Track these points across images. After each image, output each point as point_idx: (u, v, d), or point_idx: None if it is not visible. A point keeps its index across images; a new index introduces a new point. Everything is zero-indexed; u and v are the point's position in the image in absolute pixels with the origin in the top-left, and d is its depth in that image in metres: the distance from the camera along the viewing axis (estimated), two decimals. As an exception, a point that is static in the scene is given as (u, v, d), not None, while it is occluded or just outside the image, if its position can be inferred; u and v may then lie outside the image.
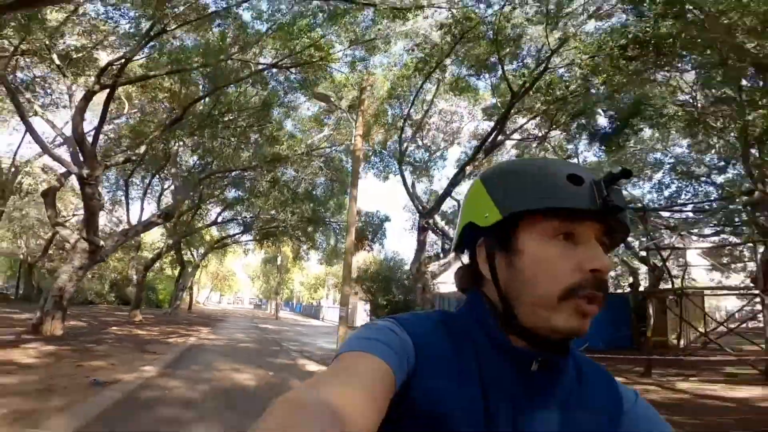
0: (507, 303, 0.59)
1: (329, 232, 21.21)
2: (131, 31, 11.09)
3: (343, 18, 11.22)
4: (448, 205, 16.25)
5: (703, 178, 14.83)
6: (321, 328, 25.22)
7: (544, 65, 10.40)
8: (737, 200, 10.74)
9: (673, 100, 11.11)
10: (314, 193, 18.77)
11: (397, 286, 20.20)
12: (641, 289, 13.82)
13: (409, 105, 13.43)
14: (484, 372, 0.57)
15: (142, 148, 11.71)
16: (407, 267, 15.95)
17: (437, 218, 14.11)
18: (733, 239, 15.59)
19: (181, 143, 14.58)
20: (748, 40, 5.96)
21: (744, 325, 11.40)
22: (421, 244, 11.64)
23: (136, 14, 10.78)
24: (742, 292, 10.80)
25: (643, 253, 13.00)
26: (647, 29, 7.26)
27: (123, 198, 16.74)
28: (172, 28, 10.52)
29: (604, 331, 11.51)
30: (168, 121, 12.21)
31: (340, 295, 11.19)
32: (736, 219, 12.80)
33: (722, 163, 13.27)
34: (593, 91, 10.78)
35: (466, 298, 0.67)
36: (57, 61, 10.16)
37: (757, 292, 8.36)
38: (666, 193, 15.53)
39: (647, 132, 14.26)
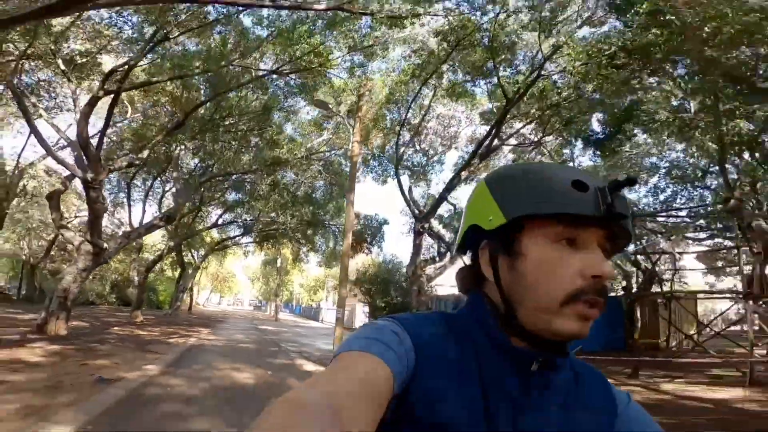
0: (509, 305, 0.59)
1: (328, 235, 21.42)
2: (134, 36, 11.36)
3: (342, 25, 11.47)
4: (444, 209, 16.48)
5: (696, 183, 15.03)
6: (320, 329, 25.40)
7: (537, 72, 10.63)
8: (717, 207, 10.97)
9: (665, 105, 11.31)
10: (314, 196, 19.01)
11: (396, 288, 20.37)
12: (634, 291, 14.02)
13: (406, 110, 13.63)
14: (484, 372, 0.58)
15: (145, 153, 11.91)
16: (405, 269, 16.16)
17: (433, 222, 14.33)
18: (729, 243, 15.80)
19: (183, 147, 14.83)
20: (722, 53, 6.18)
21: (738, 327, 11.60)
22: (417, 248, 11.87)
23: (139, 20, 11.05)
24: (727, 295, 11.01)
25: (640, 257, 13.22)
26: (634, 39, 7.48)
27: (125, 200, 17.01)
28: (175, 35, 10.77)
29: (600, 333, 11.66)
30: (170, 125, 12.47)
31: (338, 298, 11.41)
32: (719, 224, 13.01)
33: (700, 173, 13.50)
34: (585, 97, 11.00)
35: (467, 299, 0.68)
36: (62, 66, 10.39)
37: (745, 296, 8.60)
38: (662, 197, 15.77)
39: (642, 136, 14.47)
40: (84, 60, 11.65)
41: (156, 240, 25.68)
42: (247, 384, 6.88)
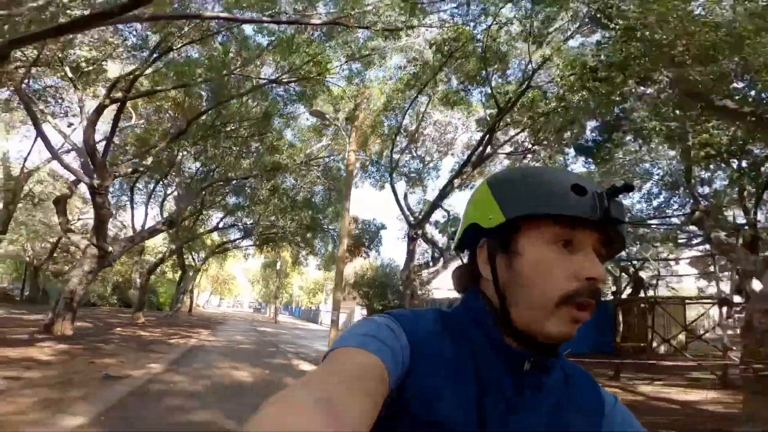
0: (504, 304, 0.60)
1: (327, 239, 21.67)
2: (139, 43, 11.73)
3: (339, 36, 11.85)
4: (439, 214, 16.80)
5: (687, 190, 15.34)
6: (318, 331, 25.72)
7: (527, 82, 10.99)
8: (683, 219, 11.28)
9: (653, 113, 11.63)
10: (313, 200, 19.34)
11: (393, 291, 20.66)
12: (624, 296, 14.35)
13: (403, 117, 13.89)
14: (480, 371, 0.58)
15: (149, 159, 12.25)
16: (400, 274, 16.49)
17: (428, 227, 14.65)
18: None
19: (185, 152, 15.18)
20: (684, 70, 6.51)
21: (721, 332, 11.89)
22: (411, 253, 12.19)
23: (144, 29, 11.41)
24: (707, 301, 11.35)
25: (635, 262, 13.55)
26: (612, 54, 7.81)
27: (128, 203, 17.40)
28: (178, 46, 11.15)
29: (589, 336, 11.91)
30: (173, 131, 12.83)
31: (333, 301, 11.75)
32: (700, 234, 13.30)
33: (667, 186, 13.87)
34: (573, 106, 11.35)
35: (463, 297, 0.68)
36: (69, 74, 10.74)
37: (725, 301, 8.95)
38: (654, 203, 16.05)
39: (634, 144, 14.78)
40: (90, 67, 12.02)
41: (158, 243, 25.98)
42: (245, 382, 7.25)
